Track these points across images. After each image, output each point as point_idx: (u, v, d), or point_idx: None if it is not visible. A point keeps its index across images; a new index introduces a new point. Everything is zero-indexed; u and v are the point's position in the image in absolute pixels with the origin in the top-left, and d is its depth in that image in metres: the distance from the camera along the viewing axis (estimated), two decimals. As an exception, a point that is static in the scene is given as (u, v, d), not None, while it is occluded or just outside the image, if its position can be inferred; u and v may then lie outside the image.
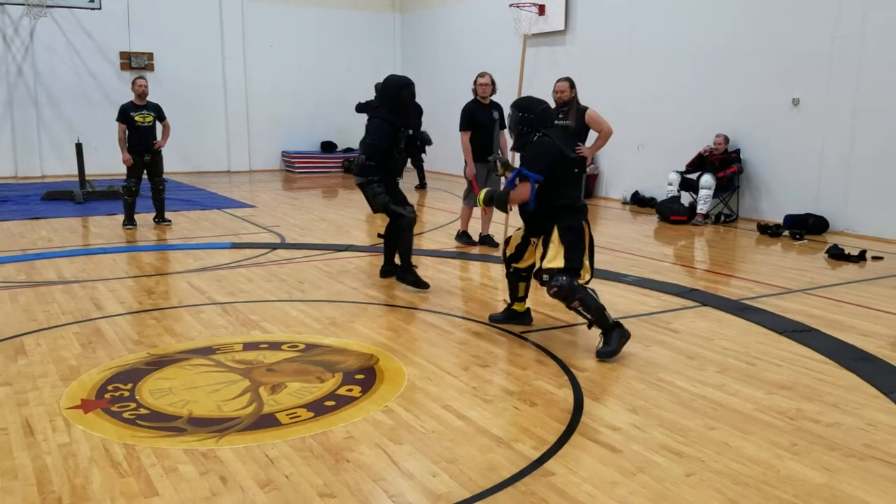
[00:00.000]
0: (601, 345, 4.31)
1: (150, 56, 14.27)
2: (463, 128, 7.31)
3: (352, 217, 9.87)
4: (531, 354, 4.39)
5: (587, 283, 4.35)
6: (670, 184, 9.87)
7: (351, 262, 6.87)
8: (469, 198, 7.49)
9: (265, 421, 3.42)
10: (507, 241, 4.81)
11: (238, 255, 7.12)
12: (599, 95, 12.57)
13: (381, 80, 13.31)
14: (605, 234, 8.54)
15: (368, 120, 5.77)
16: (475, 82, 7.34)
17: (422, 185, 12.96)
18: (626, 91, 11.03)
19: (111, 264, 6.70)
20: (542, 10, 12.74)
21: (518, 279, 4.81)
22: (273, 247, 7.50)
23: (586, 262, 4.37)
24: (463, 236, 7.75)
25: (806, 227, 8.52)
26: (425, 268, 6.63)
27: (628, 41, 11.25)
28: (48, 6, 12.35)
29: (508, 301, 4.94)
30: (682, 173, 9.84)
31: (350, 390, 3.77)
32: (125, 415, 3.47)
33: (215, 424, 3.37)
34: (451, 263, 6.87)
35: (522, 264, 4.71)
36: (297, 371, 4.04)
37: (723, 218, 9.61)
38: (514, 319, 4.91)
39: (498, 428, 3.37)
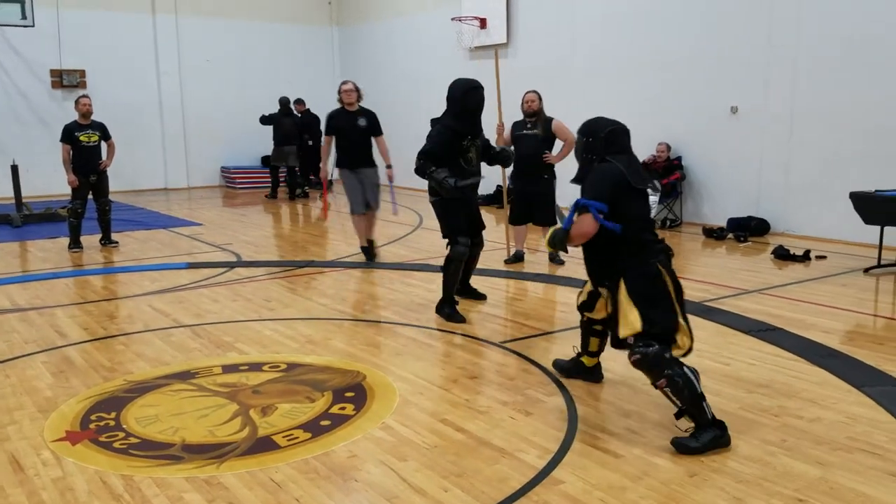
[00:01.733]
0: (687, 434, 3.27)
1: (83, 73, 13.80)
2: (325, 133, 7.66)
3: (305, 232, 9.76)
4: (515, 364, 4.43)
5: (688, 351, 3.39)
6: (617, 191, 10.10)
7: (314, 278, 6.80)
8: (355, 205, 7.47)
9: (263, 444, 3.36)
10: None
11: (196, 274, 6.95)
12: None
13: (283, 95, 13.66)
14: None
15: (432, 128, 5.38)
16: (339, 90, 7.58)
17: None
18: (568, 102, 11.20)
19: (65, 289, 6.45)
20: (483, 23, 12.89)
21: (590, 332, 4.03)
22: (231, 265, 7.35)
23: (681, 322, 3.37)
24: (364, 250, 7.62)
25: (749, 229, 8.86)
26: (391, 282, 6.62)
27: (570, 52, 11.51)
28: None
29: (578, 350, 4.15)
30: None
31: (343, 408, 3.74)
32: (115, 444, 3.35)
33: (212, 450, 3.29)
34: (415, 276, 6.87)
35: (596, 315, 3.88)
36: (284, 392, 3.98)
37: (668, 223, 9.91)
38: (580, 374, 4.12)
39: (499, 439, 3.40)
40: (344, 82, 7.68)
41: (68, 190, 8.25)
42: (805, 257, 7.45)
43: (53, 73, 13.54)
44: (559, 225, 3.59)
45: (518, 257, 7.39)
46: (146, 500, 2.87)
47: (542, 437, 3.41)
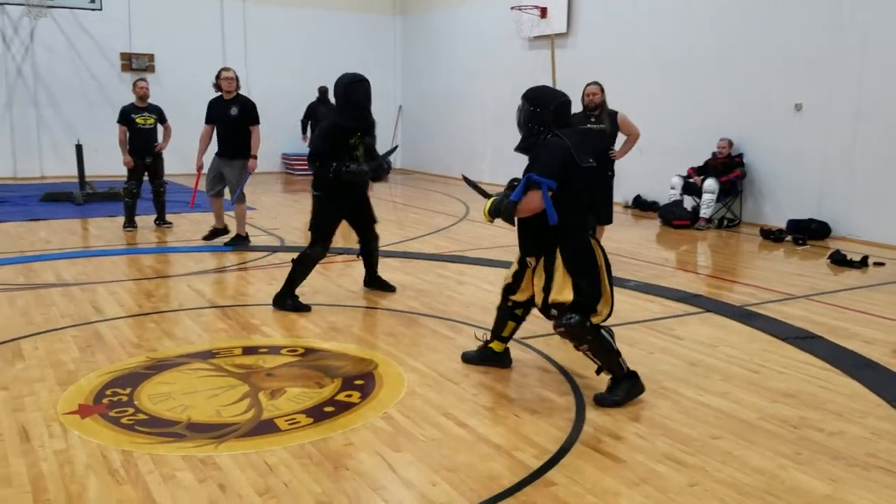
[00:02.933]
0: (606, 390, 3.72)
1: (151, 57, 14.24)
2: (205, 121, 7.66)
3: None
4: (533, 361, 4.35)
5: (606, 318, 3.65)
6: (673, 188, 9.84)
7: (349, 265, 6.83)
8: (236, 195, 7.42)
9: (264, 427, 3.38)
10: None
11: (237, 257, 7.09)
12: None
13: (322, 84, 13.98)
14: (606, 238, 8.48)
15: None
16: (218, 76, 7.47)
17: None
18: (628, 94, 10.95)
19: (111, 267, 6.67)
20: (543, 12, 12.72)
21: (509, 316, 4.05)
22: (273, 249, 7.47)
23: (606, 289, 3.64)
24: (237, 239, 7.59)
25: (808, 231, 8.48)
26: (425, 272, 6.60)
27: (631, 43, 11.22)
28: (48, 6, 12.32)
29: (486, 338, 4.20)
30: (684, 178, 9.81)
31: (349, 396, 3.74)
32: (123, 420, 3.43)
33: (214, 430, 3.34)
34: (449, 267, 6.83)
35: (520, 296, 3.95)
36: (296, 376, 4.01)
37: (726, 222, 9.58)
38: (489, 361, 4.16)
39: (498, 436, 3.33)
40: (225, 69, 7.62)
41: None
42: (862, 263, 7.08)
43: (123, 56, 14.02)
44: (497, 196, 3.74)
45: None
46: (140, 475, 2.93)
47: (544, 437, 3.33)
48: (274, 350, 4.43)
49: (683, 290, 6.01)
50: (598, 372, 3.76)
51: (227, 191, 7.65)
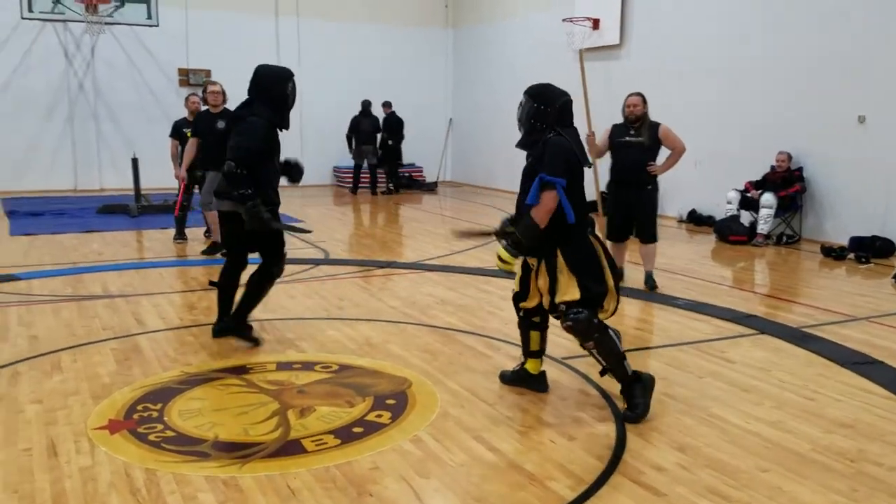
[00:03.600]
0: (626, 408, 3.66)
1: (208, 73, 14.51)
2: (191, 134, 7.75)
3: (397, 233, 9.80)
4: (573, 383, 4.18)
5: (613, 313, 3.68)
6: (729, 202, 9.51)
7: (391, 279, 6.77)
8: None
9: (290, 447, 3.31)
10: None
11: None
12: (655, 110, 12.22)
13: (365, 98, 14.32)
14: (660, 253, 8.24)
15: (237, 121, 4.60)
16: (204, 90, 7.72)
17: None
18: (683, 106, 10.68)
19: (157, 279, 6.74)
20: (596, 24, 12.52)
21: (528, 326, 3.95)
22: (317, 262, 7.45)
23: (611, 285, 3.64)
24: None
25: (872, 250, 8.06)
26: (467, 287, 6.48)
27: (686, 54, 10.93)
28: (107, 23, 12.68)
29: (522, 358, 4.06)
30: (741, 192, 9.47)
31: (379, 416, 3.64)
32: (151, 437, 3.40)
33: (240, 449, 3.28)
34: (493, 283, 6.69)
35: (529, 302, 3.86)
36: (327, 394, 3.93)
37: (784, 239, 9.19)
38: (524, 382, 4.00)
39: (531, 463, 3.18)
40: (212, 83, 7.70)
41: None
42: (931, 283, 6.67)
43: (181, 71, 14.33)
44: (503, 241, 3.71)
45: (620, 276, 6.90)
46: (161, 496, 2.88)
47: (580, 466, 3.17)
48: (308, 366, 4.36)
49: (737, 310, 5.75)
50: (602, 373, 3.74)
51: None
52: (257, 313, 5.53)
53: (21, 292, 6.10)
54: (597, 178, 7.05)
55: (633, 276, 6.78)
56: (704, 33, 10.65)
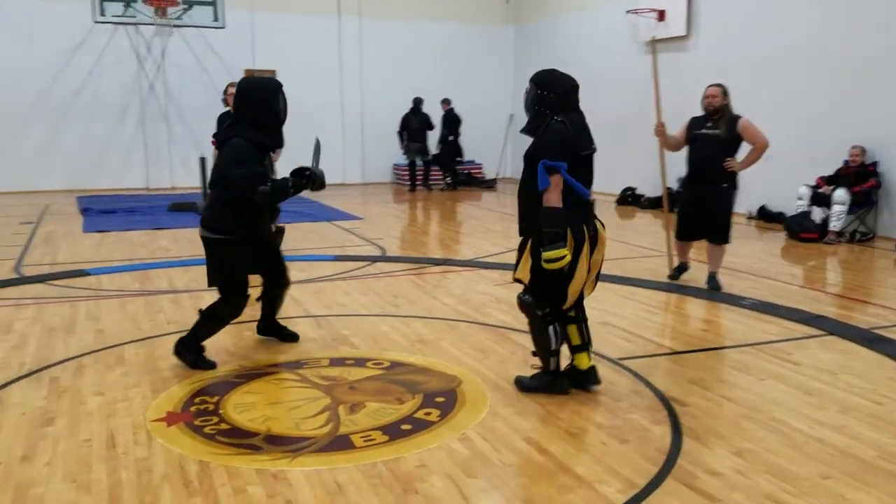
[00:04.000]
0: (529, 375, 3.91)
1: (273, 73, 14.80)
2: (214, 136, 7.76)
3: (454, 230, 9.78)
4: (628, 384, 4.08)
5: (570, 307, 3.76)
6: (800, 198, 9.16)
7: (447, 276, 6.75)
8: None
9: (339, 443, 3.33)
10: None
11: (339, 267, 7.16)
12: (722, 104, 11.93)
13: (417, 95, 14.63)
14: (727, 251, 7.99)
15: (222, 142, 4.25)
16: (225, 91, 7.62)
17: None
18: (751, 99, 10.28)
19: (219, 275, 6.89)
20: (661, 15, 12.24)
21: (565, 321, 3.86)
22: (373, 259, 7.51)
23: (582, 277, 3.69)
24: None
25: (955, 247, 7.64)
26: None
27: (754, 44, 10.57)
28: (175, 26, 13.06)
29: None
30: (813, 187, 9.11)
31: (428, 414, 3.62)
32: (206, 429, 3.47)
33: (291, 444, 3.31)
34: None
35: None
36: (378, 390, 3.94)
37: (858, 236, 8.80)
38: (576, 382, 3.90)
39: (582, 466, 3.12)
40: (231, 84, 7.62)
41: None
42: None
43: (247, 72, 14.63)
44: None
45: (682, 270, 6.55)
46: (213, 488, 2.93)
47: (632, 469, 3.08)
48: (360, 362, 4.39)
49: (805, 311, 5.52)
50: (533, 354, 3.88)
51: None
52: (313, 309, 5.62)
53: (91, 287, 6.33)
54: (663, 174, 6.87)
55: (697, 275, 6.59)
56: (775, 23, 10.27)
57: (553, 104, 3.70)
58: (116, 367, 4.33)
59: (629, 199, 12.61)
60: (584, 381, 3.92)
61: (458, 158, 15.20)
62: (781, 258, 8.02)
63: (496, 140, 16.71)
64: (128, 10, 13.00)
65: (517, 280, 3.86)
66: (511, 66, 16.77)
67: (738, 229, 9.62)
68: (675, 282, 6.48)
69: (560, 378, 3.85)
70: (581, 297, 3.85)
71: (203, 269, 4.45)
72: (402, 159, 15.09)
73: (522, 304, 3.81)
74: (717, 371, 4.34)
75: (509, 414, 3.64)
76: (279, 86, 4.22)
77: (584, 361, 3.90)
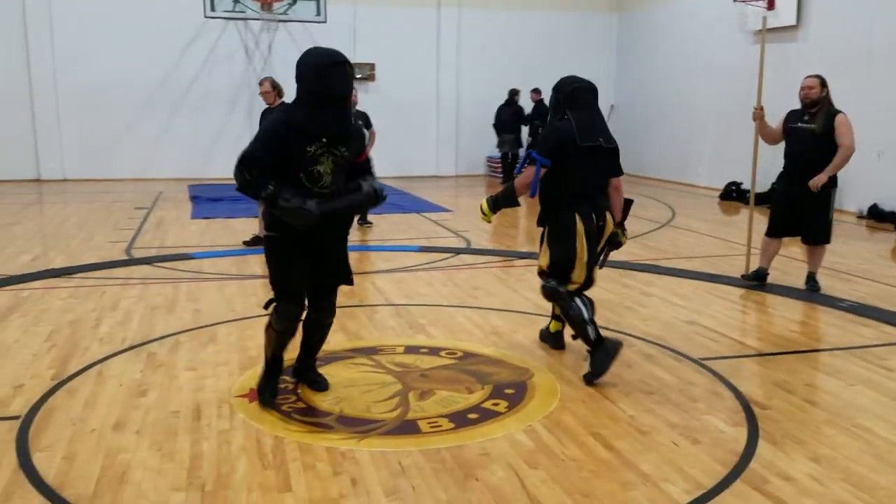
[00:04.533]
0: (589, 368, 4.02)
1: (372, 66, 15.13)
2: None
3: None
4: (707, 385, 3.98)
5: (583, 286, 4.10)
6: (915, 197, 8.59)
7: (530, 270, 6.70)
8: None
9: (406, 427, 3.41)
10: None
11: (423, 258, 7.27)
12: (834, 96, 11.27)
13: (512, 87, 14.70)
14: (830, 251, 7.61)
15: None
16: (261, 85, 7.77)
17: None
18: (865, 91, 9.75)
19: (311, 261, 7.14)
20: (771, 3, 11.70)
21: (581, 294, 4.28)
22: (457, 251, 7.58)
23: (582, 261, 4.02)
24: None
25: None
26: (607, 281, 6.32)
27: (871, 35, 9.96)
28: (280, 20, 13.54)
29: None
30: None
31: (496, 404, 3.66)
32: (284, 407, 3.63)
33: (361, 425, 3.43)
34: (636, 277, 6.49)
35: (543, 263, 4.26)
36: (448, 379, 4.01)
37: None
38: (545, 340, 4.64)
39: (648, 464, 3.07)
40: (265, 79, 7.73)
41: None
42: None
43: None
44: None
45: (760, 276, 6.09)
46: (284, 462, 3.08)
47: (700, 470, 3.02)
48: (434, 351, 4.47)
49: (908, 315, 5.20)
50: (573, 338, 4.17)
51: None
52: (394, 298, 5.74)
53: (193, 270, 6.71)
54: (755, 165, 6.57)
55: (794, 274, 6.31)
56: (891, 12, 9.63)
57: (563, 104, 4.08)
58: (209, 344, 4.59)
59: (733, 195, 12.15)
60: (550, 340, 4.56)
61: None
62: (891, 260, 7.55)
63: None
64: (236, 5, 13.60)
65: (540, 271, 4.20)
66: (613, 56, 16.48)
67: (846, 228, 9.14)
68: (759, 283, 6.10)
69: (603, 342, 3.97)
70: (591, 280, 4.18)
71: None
72: (496, 151, 15.11)
73: (544, 290, 4.15)
74: (804, 374, 4.17)
75: (579, 409, 3.63)
76: (335, 61, 3.31)
77: (555, 327, 4.55)
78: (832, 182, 5.76)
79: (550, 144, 4.01)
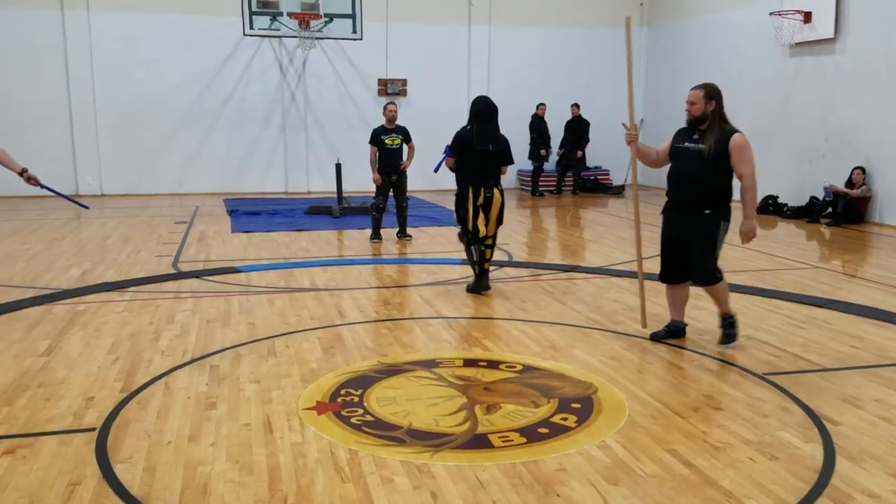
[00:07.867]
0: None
1: (404, 82, 15.24)
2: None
3: (581, 237, 9.69)
4: (775, 400, 3.94)
5: (483, 236, 6.27)
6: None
7: (576, 283, 6.72)
8: None
9: (478, 441, 3.41)
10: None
11: (467, 271, 7.24)
12: (872, 109, 11.18)
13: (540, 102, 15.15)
14: (876, 265, 7.52)
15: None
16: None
17: None
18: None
19: (356, 275, 7.19)
20: (807, 17, 11.65)
21: (480, 244, 6.45)
22: (500, 265, 7.57)
23: (469, 221, 6.22)
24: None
25: None
26: (658, 294, 6.26)
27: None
28: (317, 38, 13.68)
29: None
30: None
31: (565, 419, 3.64)
32: (353, 420, 3.64)
33: (432, 439, 3.43)
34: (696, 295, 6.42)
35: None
36: (512, 392, 4.00)
37: None
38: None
39: (729, 480, 3.04)
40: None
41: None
42: None
43: (380, 81, 15.15)
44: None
45: (673, 332, 4.96)
46: (362, 475, 3.08)
47: (782, 487, 2.98)
48: (493, 364, 4.46)
49: (971, 331, 5.11)
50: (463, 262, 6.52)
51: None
52: (443, 310, 5.75)
53: (242, 283, 6.76)
54: (635, 192, 5.40)
55: (846, 289, 6.22)
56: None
57: (471, 117, 6.27)
58: (269, 357, 4.62)
59: (770, 209, 12.05)
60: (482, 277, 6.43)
61: (584, 164, 15.20)
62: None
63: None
64: (273, 23, 13.77)
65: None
66: (643, 70, 16.43)
67: (890, 242, 9.00)
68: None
69: (483, 279, 6.32)
70: (491, 236, 6.36)
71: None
72: (528, 165, 15.11)
73: (458, 236, 6.51)
74: (871, 389, 4.11)
75: (650, 424, 3.60)
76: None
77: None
78: (720, 213, 4.73)
79: (455, 143, 6.25)
